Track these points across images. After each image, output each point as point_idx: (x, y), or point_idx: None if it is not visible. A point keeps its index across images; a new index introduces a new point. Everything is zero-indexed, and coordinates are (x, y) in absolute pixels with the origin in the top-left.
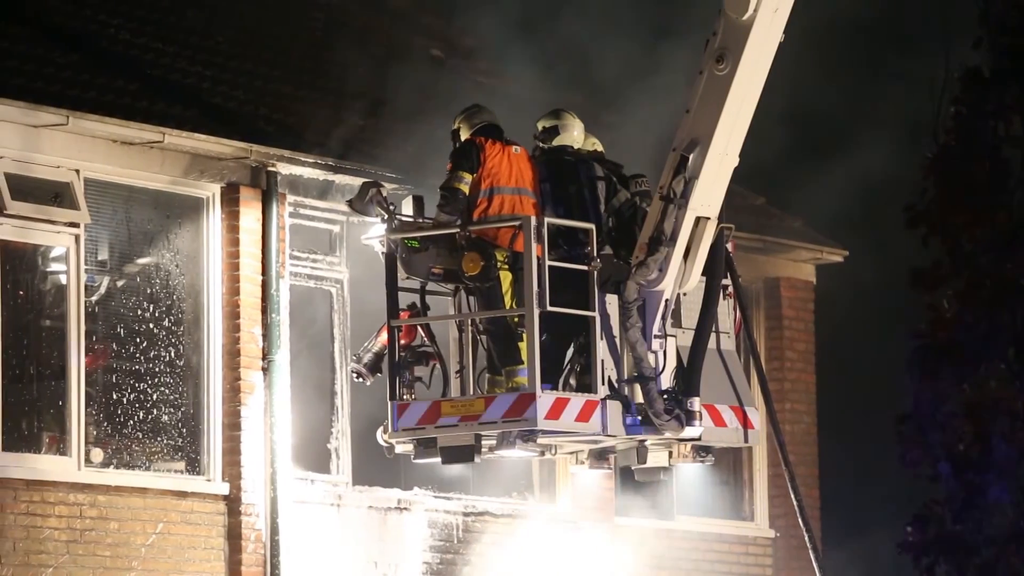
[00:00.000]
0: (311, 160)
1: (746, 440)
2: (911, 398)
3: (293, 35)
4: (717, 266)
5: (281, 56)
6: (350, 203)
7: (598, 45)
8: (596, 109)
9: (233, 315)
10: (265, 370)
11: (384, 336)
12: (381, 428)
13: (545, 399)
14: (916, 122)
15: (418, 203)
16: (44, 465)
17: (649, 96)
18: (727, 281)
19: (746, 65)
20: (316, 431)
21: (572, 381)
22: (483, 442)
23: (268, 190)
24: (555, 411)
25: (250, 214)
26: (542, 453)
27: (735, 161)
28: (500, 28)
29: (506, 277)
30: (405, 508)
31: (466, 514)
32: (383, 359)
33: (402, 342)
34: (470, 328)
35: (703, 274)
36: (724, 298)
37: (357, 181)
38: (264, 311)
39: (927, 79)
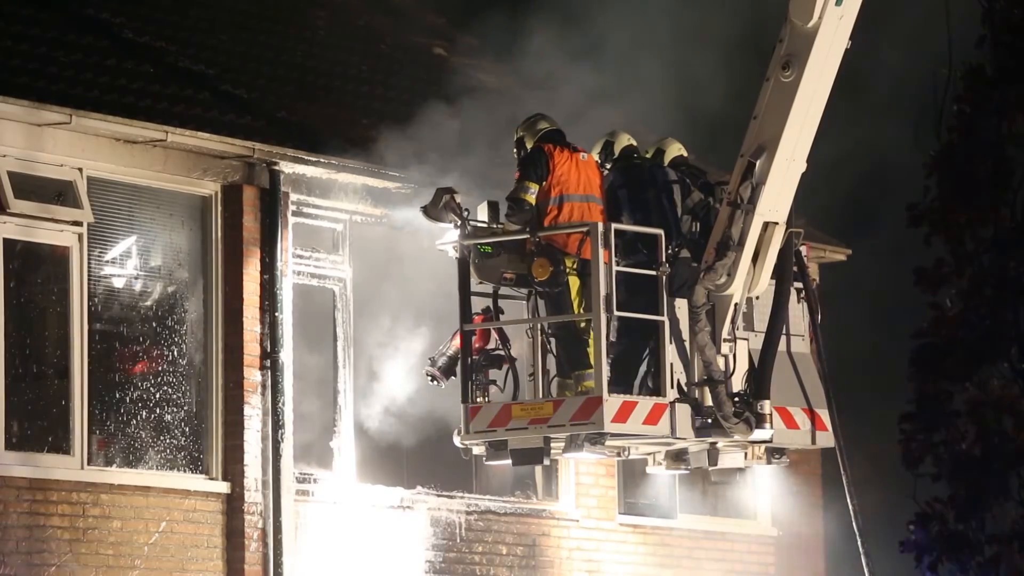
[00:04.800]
0: (314, 159)
1: (817, 442)
2: (914, 397)
3: (296, 34)
4: (786, 270)
5: (284, 55)
6: (424, 210)
7: (605, 45)
8: (600, 111)
9: (236, 313)
10: (267, 368)
11: (458, 340)
12: (456, 431)
13: (612, 403)
14: (920, 121)
15: (493, 208)
16: (47, 464)
17: (654, 94)
18: (801, 284)
19: (812, 72)
20: (319, 429)
21: (650, 383)
22: (552, 444)
23: (271, 188)
24: (622, 414)
25: (253, 212)
26: (619, 454)
27: (803, 167)
28: (503, 26)
29: (574, 283)
30: (408, 507)
31: (469, 512)
32: (457, 362)
33: (476, 346)
34: (539, 332)
35: (772, 278)
36: (798, 301)
37: (360, 180)
38: (267, 309)
39: (930, 77)
